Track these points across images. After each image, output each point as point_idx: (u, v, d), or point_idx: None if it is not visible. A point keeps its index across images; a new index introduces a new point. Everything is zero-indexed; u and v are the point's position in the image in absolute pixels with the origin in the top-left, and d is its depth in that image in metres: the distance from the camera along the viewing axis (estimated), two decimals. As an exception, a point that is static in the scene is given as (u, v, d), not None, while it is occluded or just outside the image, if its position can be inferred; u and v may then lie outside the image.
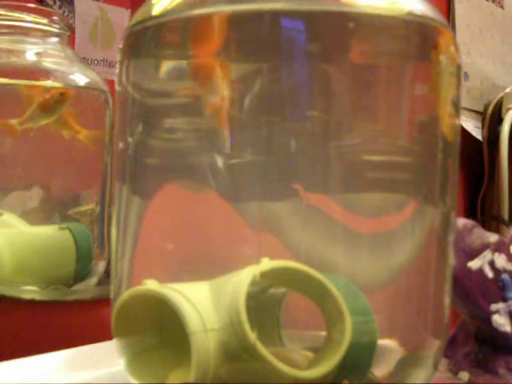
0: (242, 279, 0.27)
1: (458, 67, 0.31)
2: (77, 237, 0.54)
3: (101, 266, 0.57)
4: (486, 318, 0.38)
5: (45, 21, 0.56)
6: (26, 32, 0.56)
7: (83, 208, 0.58)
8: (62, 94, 0.54)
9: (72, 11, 0.67)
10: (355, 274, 0.29)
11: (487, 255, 0.39)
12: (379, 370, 0.29)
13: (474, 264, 0.38)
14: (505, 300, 0.39)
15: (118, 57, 0.33)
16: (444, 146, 0.31)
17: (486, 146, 1.02)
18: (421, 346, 0.31)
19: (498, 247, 0.39)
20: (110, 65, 0.70)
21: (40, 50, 0.57)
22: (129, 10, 0.71)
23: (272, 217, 0.29)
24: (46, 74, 0.57)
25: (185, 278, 0.29)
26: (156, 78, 0.32)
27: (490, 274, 0.39)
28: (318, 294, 0.28)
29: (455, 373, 0.39)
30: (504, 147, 0.97)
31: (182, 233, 0.31)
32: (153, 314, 0.30)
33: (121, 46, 0.32)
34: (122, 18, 0.71)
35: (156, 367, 0.30)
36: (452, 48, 0.31)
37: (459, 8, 1.06)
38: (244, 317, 0.26)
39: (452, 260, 0.33)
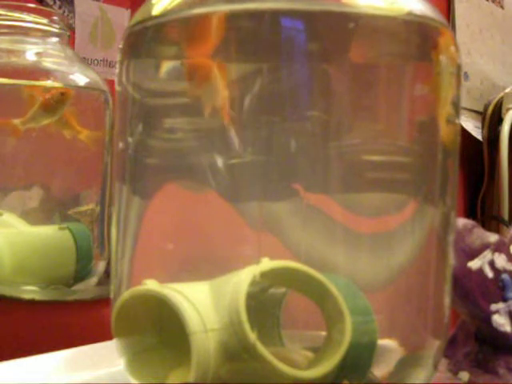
0: (242, 279, 0.27)
1: (458, 67, 0.31)
2: (77, 237, 0.54)
3: (101, 266, 0.57)
4: (486, 317, 0.38)
5: (45, 21, 0.56)
6: (26, 32, 0.56)
7: (83, 208, 0.58)
8: (62, 94, 0.54)
9: (72, 11, 0.67)
10: (355, 274, 0.29)
11: (487, 255, 0.39)
12: (379, 370, 0.29)
13: (474, 264, 0.38)
14: (505, 300, 0.39)
15: (118, 57, 0.33)
16: (444, 146, 0.31)
17: (486, 146, 1.02)
18: (421, 346, 0.31)
19: (498, 247, 0.39)
20: (110, 65, 0.70)
21: (40, 50, 0.57)
22: (129, 10, 0.71)
23: (272, 217, 0.29)
24: (46, 73, 0.57)
25: (185, 278, 0.29)
26: (156, 78, 0.32)
27: (490, 274, 0.39)
28: (318, 294, 0.28)
29: (455, 373, 0.39)
30: (504, 147, 0.97)
31: (182, 233, 0.31)
32: (153, 313, 0.30)
33: (121, 46, 0.32)
34: (122, 18, 0.71)
35: (156, 367, 0.30)
36: (452, 48, 0.31)
37: (459, 8, 1.06)
38: (244, 317, 0.26)
39: (452, 260, 0.33)
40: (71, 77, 0.58)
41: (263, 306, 0.30)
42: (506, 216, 0.96)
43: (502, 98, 1.02)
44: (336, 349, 0.27)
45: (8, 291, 0.51)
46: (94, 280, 0.56)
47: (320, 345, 0.29)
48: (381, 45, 0.29)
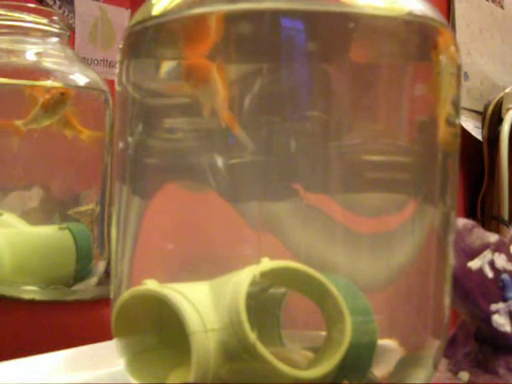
0: (242, 279, 0.27)
1: (458, 67, 0.31)
2: (77, 237, 0.54)
3: (101, 266, 0.57)
4: (486, 317, 0.38)
5: (45, 21, 0.56)
6: (26, 32, 0.56)
7: (83, 208, 0.58)
8: (62, 94, 0.54)
9: (72, 11, 0.67)
10: (355, 274, 0.29)
11: (487, 255, 0.39)
12: (379, 370, 0.29)
13: (474, 264, 0.38)
14: (505, 300, 0.39)
15: (118, 57, 0.33)
16: (444, 146, 0.31)
17: (486, 146, 1.02)
18: (421, 346, 0.31)
19: (498, 247, 0.39)
20: (110, 65, 0.70)
21: (40, 50, 0.57)
22: (129, 10, 0.71)
23: (272, 217, 0.29)
24: (46, 73, 0.57)
25: (185, 278, 0.29)
26: (156, 78, 0.32)
27: (490, 274, 0.39)
28: (318, 294, 0.28)
29: (455, 373, 0.39)
30: (504, 147, 0.97)
31: (182, 233, 0.31)
32: (153, 313, 0.30)
33: (121, 46, 0.32)
34: (122, 18, 0.71)
35: (156, 367, 0.30)
36: (452, 48, 0.31)
37: (459, 8, 1.06)
38: (244, 317, 0.26)
39: (452, 260, 0.33)
40: (71, 77, 0.58)
41: (263, 306, 0.30)
42: (506, 216, 0.96)
43: (501, 98, 1.02)
44: (336, 349, 0.27)
45: (8, 291, 0.51)
46: (94, 280, 0.56)
47: (320, 345, 0.29)
48: (381, 45, 0.29)
